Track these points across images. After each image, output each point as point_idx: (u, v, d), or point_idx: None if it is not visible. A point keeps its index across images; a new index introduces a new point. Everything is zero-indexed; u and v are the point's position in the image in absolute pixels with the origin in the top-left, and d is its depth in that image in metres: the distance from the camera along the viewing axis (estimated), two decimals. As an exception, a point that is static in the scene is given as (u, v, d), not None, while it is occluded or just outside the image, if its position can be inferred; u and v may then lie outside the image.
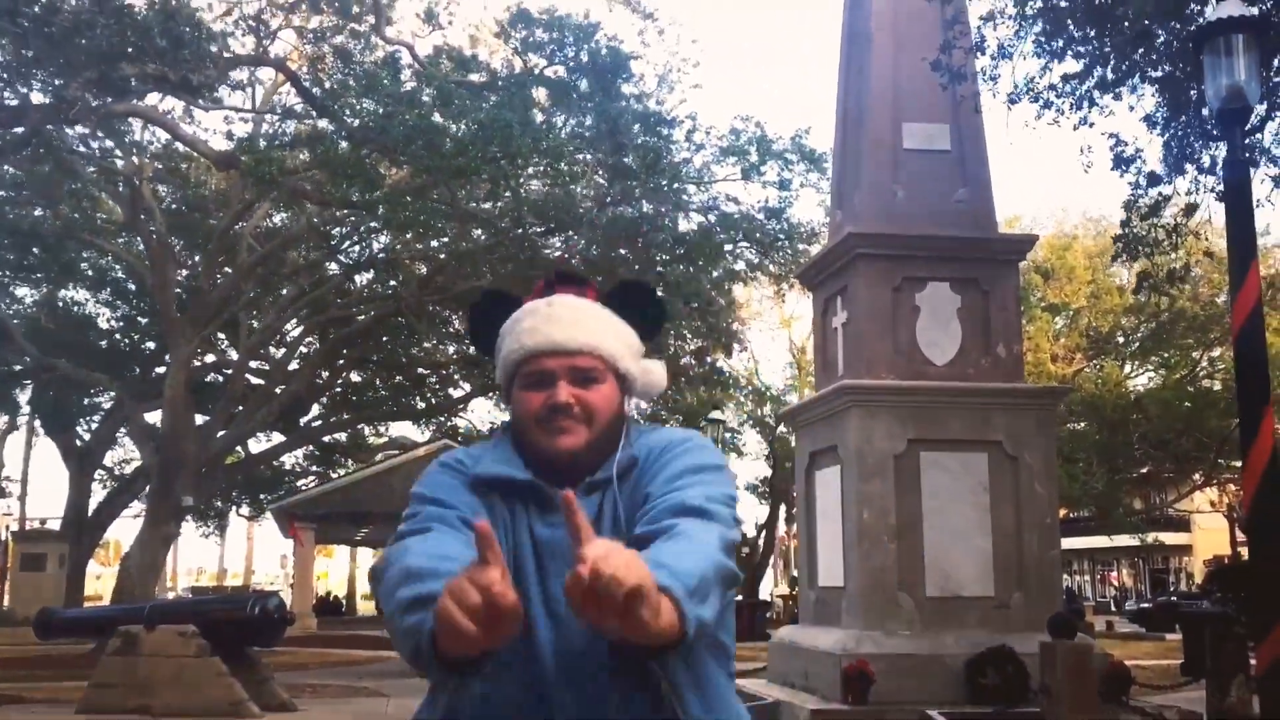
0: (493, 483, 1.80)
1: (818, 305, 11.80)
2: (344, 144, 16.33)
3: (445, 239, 22.62)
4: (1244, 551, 37.14)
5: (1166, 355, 36.00)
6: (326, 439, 33.35)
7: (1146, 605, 38.33)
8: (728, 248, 22.47)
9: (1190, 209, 10.86)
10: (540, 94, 17.52)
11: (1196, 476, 35.74)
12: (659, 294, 2.03)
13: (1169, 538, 46.20)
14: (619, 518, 1.75)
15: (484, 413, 40.12)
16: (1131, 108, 10.60)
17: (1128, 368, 37.01)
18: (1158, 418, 32.00)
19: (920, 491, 9.95)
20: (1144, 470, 37.12)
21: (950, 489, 9.96)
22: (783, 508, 43.25)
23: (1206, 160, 10.26)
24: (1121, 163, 10.32)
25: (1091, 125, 10.23)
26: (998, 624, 9.67)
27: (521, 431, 1.83)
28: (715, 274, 22.65)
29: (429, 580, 1.50)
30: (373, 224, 21.59)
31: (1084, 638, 8.70)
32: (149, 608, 12.90)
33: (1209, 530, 45.24)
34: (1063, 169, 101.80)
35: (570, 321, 1.83)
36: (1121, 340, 36.34)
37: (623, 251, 19.33)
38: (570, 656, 1.68)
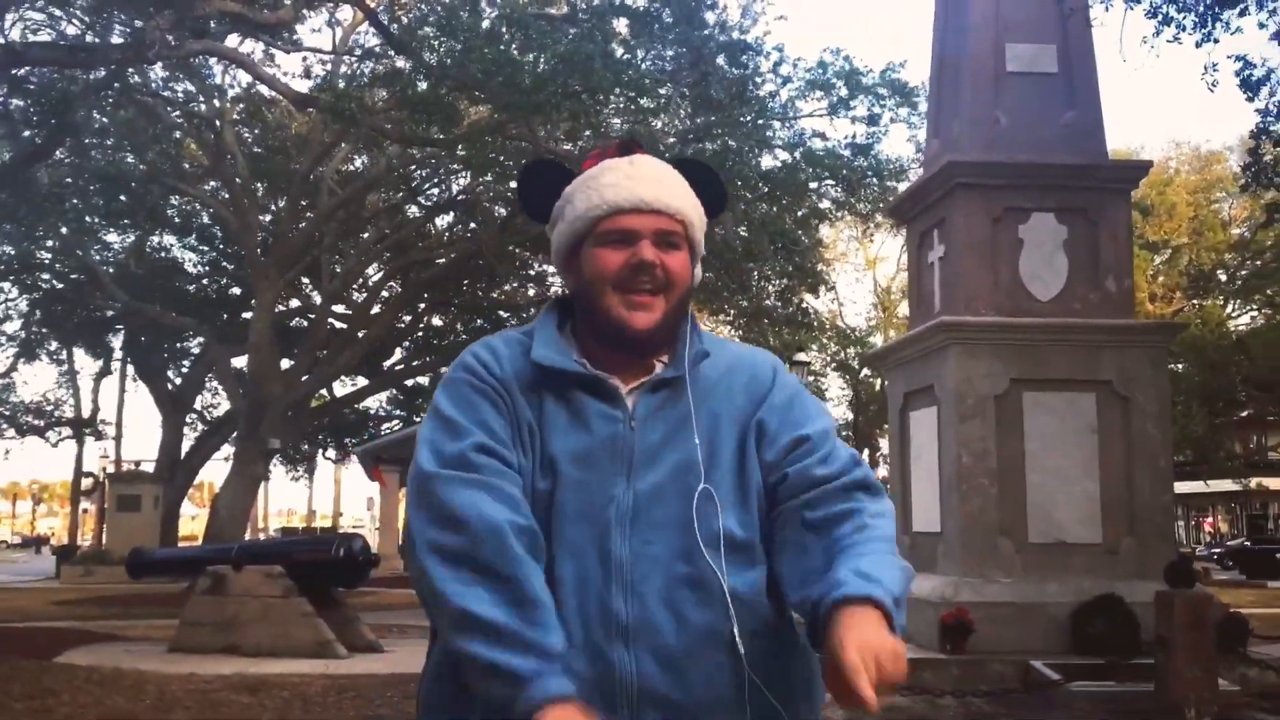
0: (547, 372, 1.67)
1: (912, 239, 11.28)
2: (422, 83, 16.05)
3: (525, 180, 22.30)
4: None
5: (1271, 293, 34.58)
6: (409, 383, 33.57)
7: (1218, 550, 37.22)
8: (813, 185, 21.87)
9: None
10: (621, 25, 17.02)
11: (1303, 419, 34.40)
12: (720, 178, 1.89)
13: (1271, 483, 44.68)
14: (688, 417, 1.65)
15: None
16: (1261, 25, 9.83)
17: (1229, 307, 35.64)
18: (1262, 358, 30.76)
19: (1023, 433, 9.48)
20: (1245, 413, 35.83)
21: (1055, 430, 9.47)
22: (865, 452, 42.74)
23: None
24: (1249, 86, 9.57)
25: (1216, 42, 9.52)
26: (1105, 571, 9.22)
27: (591, 297, 1.70)
28: (800, 212, 22.08)
29: (515, 650, 1.47)
30: (453, 165, 21.39)
31: (1201, 587, 8.22)
32: (236, 549, 12.98)
33: (1311, 475, 43.69)
34: (1168, 101, 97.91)
35: (655, 180, 1.71)
36: (1224, 278, 34.98)
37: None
38: (637, 561, 1.58)
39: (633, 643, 1.55)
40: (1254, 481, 39.12)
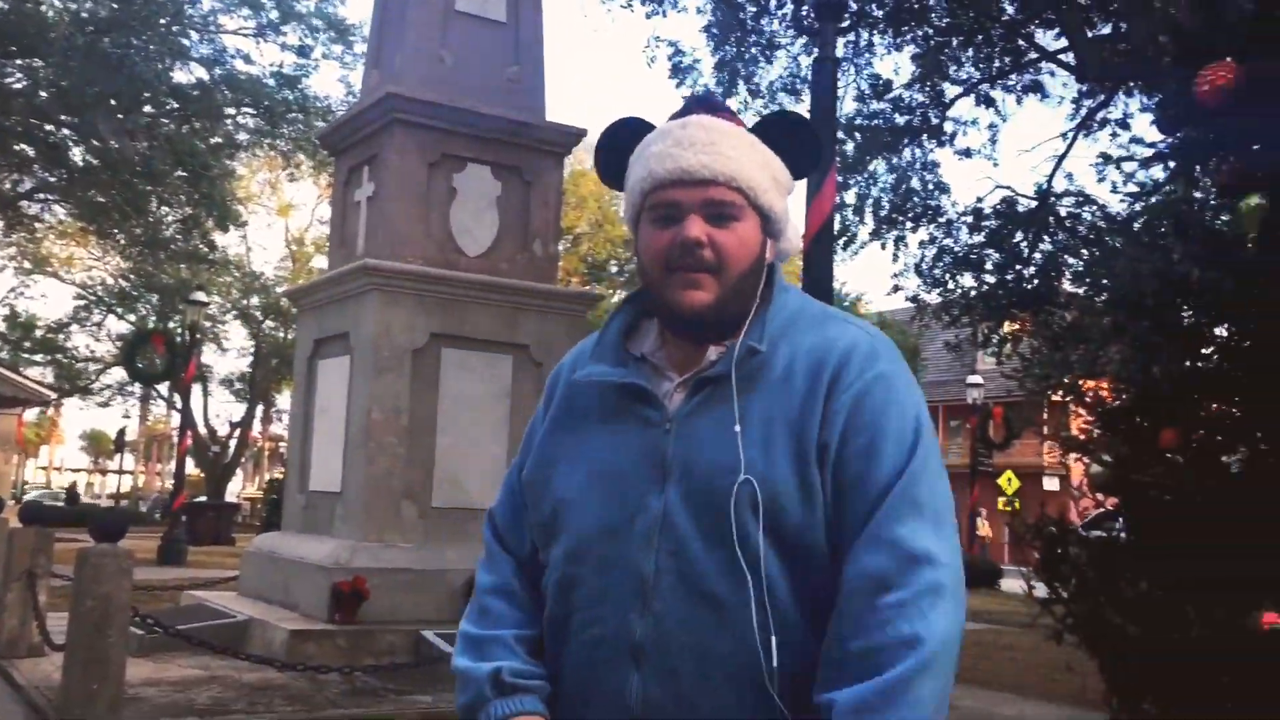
0: (588, 388, 1.60)
1: (340, 173, 10.38)
2: None
3: None
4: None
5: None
6: None
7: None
8: (230, 111, 20.07)
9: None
10: None
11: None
12: (814, 129, 1.68)
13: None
14: (728, 418, 1.46)
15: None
16: (700, 9, 10.25)
17: (616, 295, 38.81)
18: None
19: (438, 391, 9.01)
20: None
21: (470, 391, 9.11)
22: (260, 407, 40.90)
23: (758, 82, 10.16)
24: (678, 72, 10.00)
25: (665, 15, 9.83)
26: (505, 539, 9.02)
27: (648, 280, 1.58)
28: (214, 139, 20.16)
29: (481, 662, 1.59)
30: None
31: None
32: None
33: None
34: (592, 98, 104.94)
35: (705, 145, 1.53)
36: (615, 270, 38.00)
37: (102, 90, 16.31)
38: (661, 575, 1.45)
39: (644, 665, 1.46)
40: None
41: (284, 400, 39.78)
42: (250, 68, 19.83)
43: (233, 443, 38.42)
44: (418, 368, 8.92)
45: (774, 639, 1.40)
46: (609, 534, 1.50)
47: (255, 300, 35.64)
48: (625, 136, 1.63)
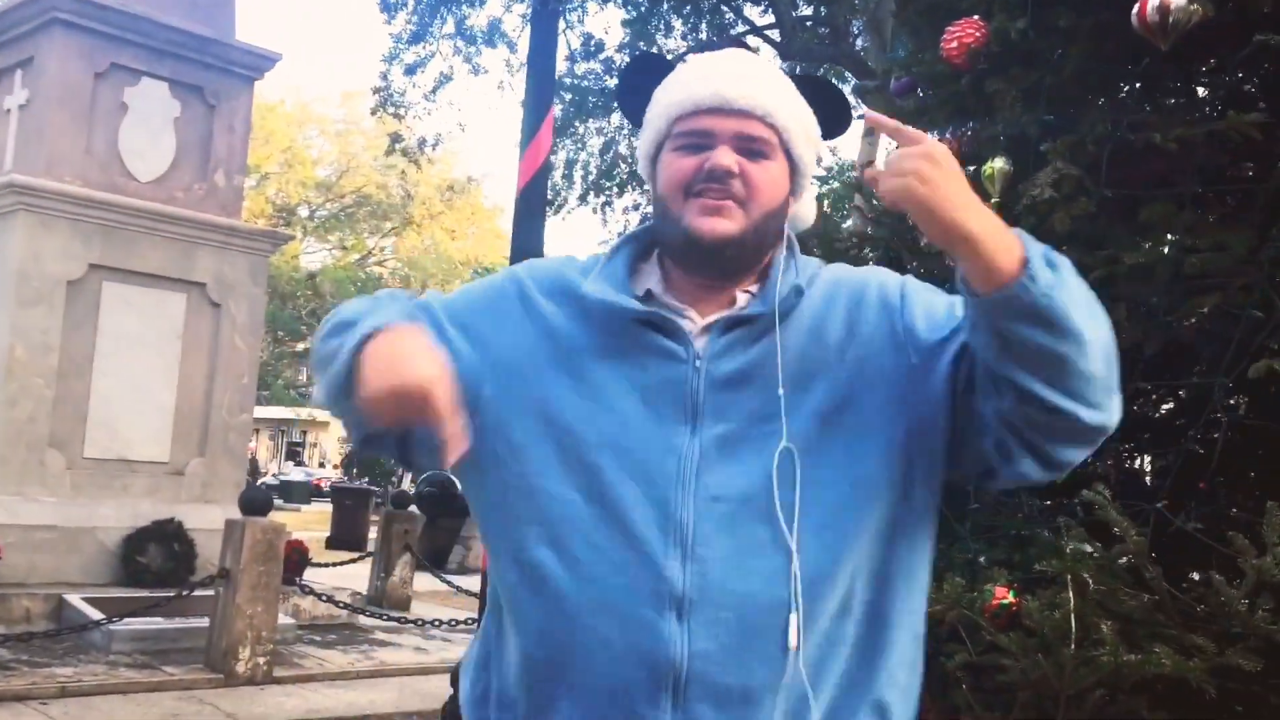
0: (598, 307, 1.40)
1: (-13, 75, 9.10)
2: None
3: None
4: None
5: (342, 236, 36.85)
6: None
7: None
8: None
9: (445, 78, 10.38)
10: None
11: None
12: (846, 98, 1.51)
13: (320, 414, 47.68)
14: (769, 359, 1.36)
15: None
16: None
17: (305, 242, 37.09)
18: (330, 295, 32.49)
19: (96, 329, 8.09)
20: (304, 345, 37.73)
21: (135, 331, 8.24)
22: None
23: (469, 28, 9.77)
24: (388, 7, 9.49)
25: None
26: (168, 493, 8.29)
27: (665, 208, 1.41)
28: None
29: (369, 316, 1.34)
30: None
31: (274, 516, 7.68)
32: None
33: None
34: (293, 27, 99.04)
35: (744, 77, 1.41)
36: (306, 215, 36.33)
37: None
38: (700, 521, 1.31)
39: (688, 616, 1.30)
40: (306, 412, 41.37)
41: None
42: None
43: None
44: (73, 301, 7.97)
45: (800, 589, 1.31)
46: (630, 475, 1.33)
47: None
48: (651, 71, 1.49)
